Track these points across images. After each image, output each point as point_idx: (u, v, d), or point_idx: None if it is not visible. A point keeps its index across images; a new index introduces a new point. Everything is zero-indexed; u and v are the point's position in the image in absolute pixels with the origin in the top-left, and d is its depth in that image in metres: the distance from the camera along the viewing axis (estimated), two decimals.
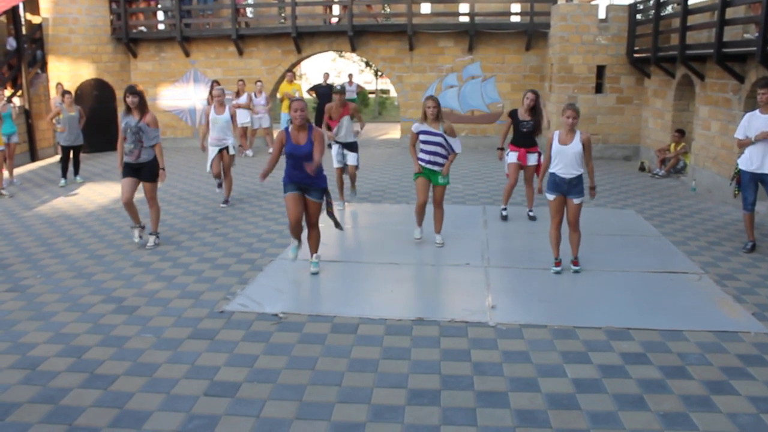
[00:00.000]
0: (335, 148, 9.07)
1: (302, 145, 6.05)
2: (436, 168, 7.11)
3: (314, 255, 6.52)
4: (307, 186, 6.18)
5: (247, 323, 5.20)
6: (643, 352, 4.64)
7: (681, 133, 12.02)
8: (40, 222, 8.77)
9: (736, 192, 7.60)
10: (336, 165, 9.11)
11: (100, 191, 10.91)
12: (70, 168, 11.69)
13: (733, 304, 5.61)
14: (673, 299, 5.70)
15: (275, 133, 16.00)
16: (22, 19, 15.06)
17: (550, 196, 6.37)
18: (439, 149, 7.04)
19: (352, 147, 9.08)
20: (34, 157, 14.68)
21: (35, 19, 15.44)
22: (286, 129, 6.17)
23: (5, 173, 11.09)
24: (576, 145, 6.17)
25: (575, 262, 6.45)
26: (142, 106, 7.20)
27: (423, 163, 7.13)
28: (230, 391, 4.12)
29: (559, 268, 6.39)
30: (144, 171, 7.29)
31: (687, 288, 6.02)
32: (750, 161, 7.02)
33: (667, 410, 3.86)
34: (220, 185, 9.80)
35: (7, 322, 5.27)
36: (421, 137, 7.09)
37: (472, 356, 4.59)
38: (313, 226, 6.41)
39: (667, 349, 4.70)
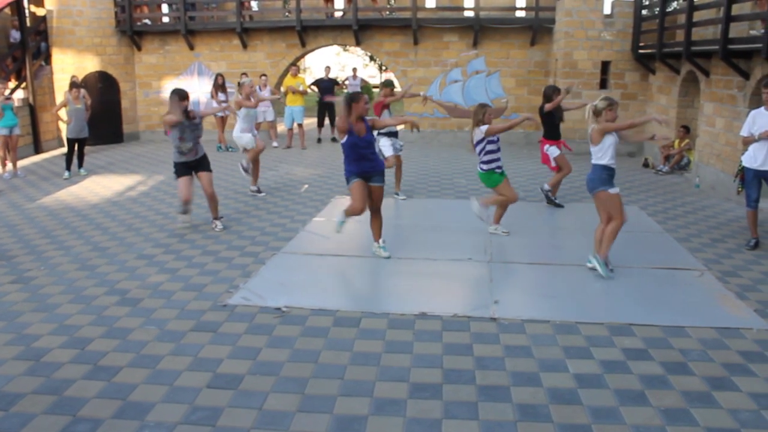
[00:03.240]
0: (382, 140, 9.10)
1: (364, 136, 6.41)
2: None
3: (380, 240, 6.79)
4: (371, 173, 6.53)
5: (250, 316, 5.22)
6: (644, 348, 4.64)
7: (686, 130, 11.99)
8: (44, 214, 8.80)
9: (740, 189, 7.60)
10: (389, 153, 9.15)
11: (104, 184, 10.93)
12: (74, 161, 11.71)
13: (735, 300, 5.61)
14: (676, 295, 5.70)
15: (279, 127, 16.07)
16: (27, 11, 15.05)
17: (616, 190, 6.09)
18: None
19: (392, 135, 9.29)
20: (38, 149, 14.70)
21: (39, 11, 15.42)
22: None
23: (8, 165, 11.11)
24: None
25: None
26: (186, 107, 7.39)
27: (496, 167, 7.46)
28: (233, 383, 4.14)
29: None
30: (202, 163, 7.66)
31: (689, 284, 6.01)
32: (754, 158, 7.01)
33: (669, 406, 3.87)
34: (246, 170, 9.73)
35: (12, 313, 5.30)
36: (489, 146, 7.35)
37: (474, 351, 4.60)
38: (377, 212, 6.69)
39: (669, 345, 4.70)
